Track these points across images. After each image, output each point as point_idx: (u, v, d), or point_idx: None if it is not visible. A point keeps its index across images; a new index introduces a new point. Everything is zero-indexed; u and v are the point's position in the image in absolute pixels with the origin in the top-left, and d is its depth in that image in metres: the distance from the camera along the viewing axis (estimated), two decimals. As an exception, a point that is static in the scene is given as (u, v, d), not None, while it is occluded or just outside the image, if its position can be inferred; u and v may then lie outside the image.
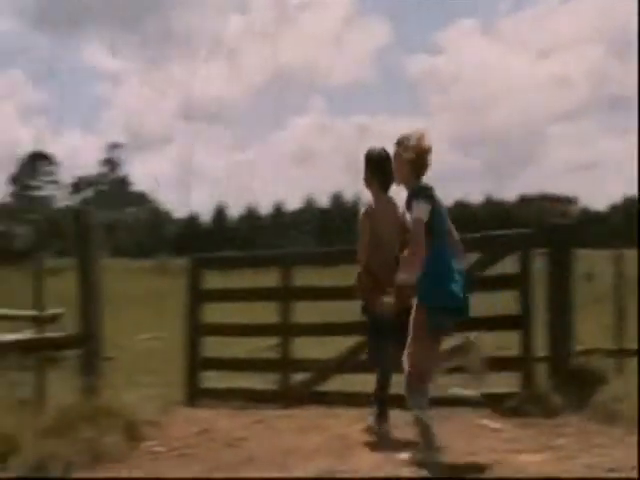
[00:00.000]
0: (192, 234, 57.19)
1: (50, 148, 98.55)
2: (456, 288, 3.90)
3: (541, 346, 5.33)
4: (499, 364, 5.38)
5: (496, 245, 5.53)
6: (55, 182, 72.18)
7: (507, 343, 5.71)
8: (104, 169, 74.46)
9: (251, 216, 62.75)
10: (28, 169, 70.76)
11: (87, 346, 5.06)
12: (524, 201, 59.24)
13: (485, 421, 4.92)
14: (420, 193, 3.93)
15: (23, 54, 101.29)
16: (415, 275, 3.88)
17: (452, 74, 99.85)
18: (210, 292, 6.39)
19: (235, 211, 65.32)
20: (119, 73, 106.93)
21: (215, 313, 6.47)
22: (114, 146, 74.73)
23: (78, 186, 73.25)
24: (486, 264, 5.50)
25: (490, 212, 57.16)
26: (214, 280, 6.56)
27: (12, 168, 71.67)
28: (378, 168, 4.58)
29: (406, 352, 3.94)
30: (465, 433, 4.63)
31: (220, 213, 64.53)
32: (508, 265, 5.49)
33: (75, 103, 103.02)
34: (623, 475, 3.70)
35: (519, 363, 5.33)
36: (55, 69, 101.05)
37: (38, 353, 5.23)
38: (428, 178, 4.05)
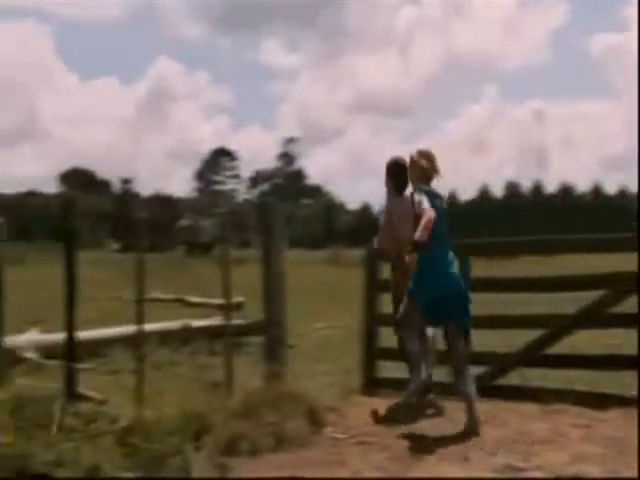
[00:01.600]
0: (365, 225, 57.75)
1: (231, 144, 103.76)
2: (433, 282, 4.71)
3: None
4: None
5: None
6: (236, 177, 76.02)
7: None
8: (280, 163, 77.25)
9: (423, 207, 62.34)
10: (212, 165, 75.01)
11: (271, 333, 5.26)
12: None
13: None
14: (418, 191, 4.90)
15: (208, 56, 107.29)
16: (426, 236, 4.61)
17: None
18: (386, 283, 6.40)
19: (407, 202, 65.18)
20: (295, 69, 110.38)
21: (390, 304, 6.49)
22: (289, 140, 77.33)
23: (256, 180, 76.59)
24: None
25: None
26: (387, 271, 6.58)
27: (197, 165, 76.36)
28: (394, 174, 5.48)
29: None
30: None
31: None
32: None
33: (254, 100, 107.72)
34: None
35: None
36: (236, 69, 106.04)
37: (225, 339, 5.51)
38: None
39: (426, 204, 4.72)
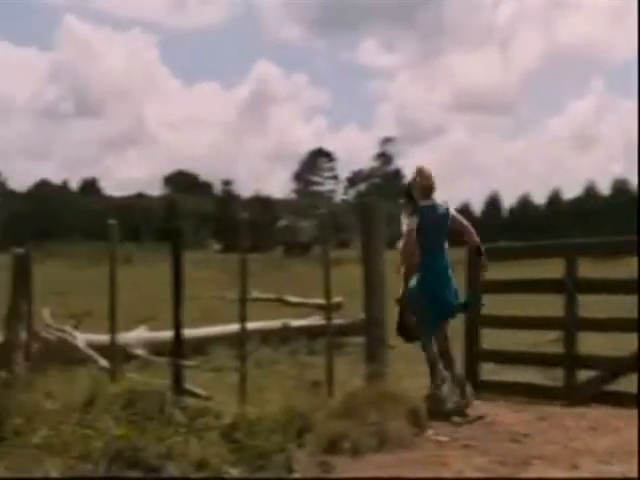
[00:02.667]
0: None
1: (329, 145, 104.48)
2: (431, 286, 5.39)
3: None
4: None
5: None
6: (334, 178, 76.50)
7: None
8: (378, 163, 77.13)
9: (526, 205, 60.83)
10: (310, 166, 75.77)
11: (372, 333, 5.25)
12: None
13: None
14: (414, 212, 5.49)
15: (306, 58, 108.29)
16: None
17: None
18: (489, 283, 6.27)
19: (509, 201, 63.85)
20: (393, 68, 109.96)
21: (494, 305, 6.35)
22: (387, 140, 77.09)
23: (353, 181, 76.79)
24: None
25: None
26: (491, 271, 6.43)
27: (296, 166, 77.33)
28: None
29: None
30: None
31: (493, 203, 63.43)
32: None
33: (352, 101, 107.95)
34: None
35: None
36: (334, 70, 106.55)
37: (327, 338, 5.54)
38: None
39: (410, 230, 5.45)
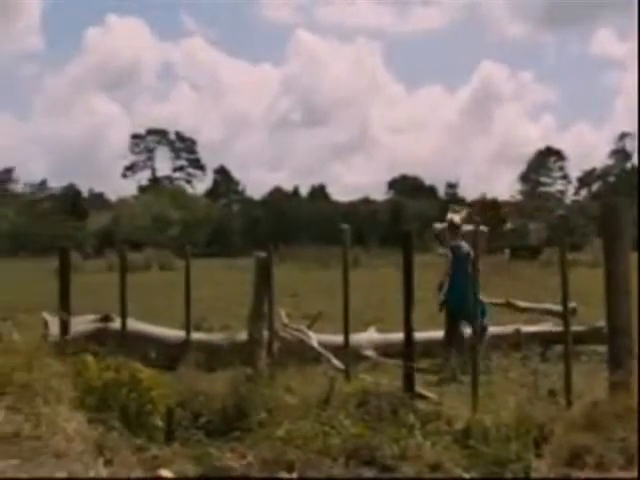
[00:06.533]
0: None
1: (558, 144, 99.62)
2: (456, 300, 7.76)
3: None
4: None
5: None
6: (564, 178, 72.94)
7: None
8: (613, 160, 72.32)
9: None
10: (537, 166, 72.92)
11: (617, 342, 4.90)
12: None
13: None
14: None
15: (532, 55, 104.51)
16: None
17: None
18: None
19: None
20: (630, 58, 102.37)
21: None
22: (624, 135, 71.99)
23: (585, 180, 72.65)
24: None
25: None
26: None
27: (522, 167, 74.81)
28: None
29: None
30: None
31: None
32: None
33: (583, 96, 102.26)
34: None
35: None
36: (562, 65, 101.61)
37: (565, 346, 5.28)
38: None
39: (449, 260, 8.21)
